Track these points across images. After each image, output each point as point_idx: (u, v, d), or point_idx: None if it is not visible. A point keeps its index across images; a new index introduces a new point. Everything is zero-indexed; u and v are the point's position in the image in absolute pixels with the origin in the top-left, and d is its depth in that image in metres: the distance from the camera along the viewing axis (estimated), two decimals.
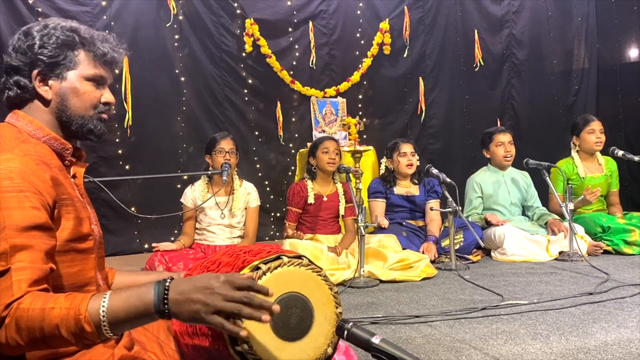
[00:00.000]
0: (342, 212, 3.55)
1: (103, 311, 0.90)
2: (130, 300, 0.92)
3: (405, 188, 3.81)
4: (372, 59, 5.08)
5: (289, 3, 4.83)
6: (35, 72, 1.11)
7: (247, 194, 3.40)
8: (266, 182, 4.74)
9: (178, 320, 1.00)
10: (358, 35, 5.10)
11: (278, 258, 1.02)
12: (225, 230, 3.35)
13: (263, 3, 4.73)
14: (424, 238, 3.63)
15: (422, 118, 5.29)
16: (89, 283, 1.11)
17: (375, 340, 1.05)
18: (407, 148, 3.75)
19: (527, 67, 5.63)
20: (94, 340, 0.93)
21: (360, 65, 5.06)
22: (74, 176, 1.18)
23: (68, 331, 0.90)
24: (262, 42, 4.67)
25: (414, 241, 3.55)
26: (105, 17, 4.16)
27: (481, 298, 2.54)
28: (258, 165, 4.74)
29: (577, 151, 4.03)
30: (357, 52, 5.09)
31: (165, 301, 0.92)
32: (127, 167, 4.25)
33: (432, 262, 3.31)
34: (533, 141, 5.39)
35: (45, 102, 1.13)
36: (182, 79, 4.48)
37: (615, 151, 3.86)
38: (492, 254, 3.63)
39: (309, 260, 1.05)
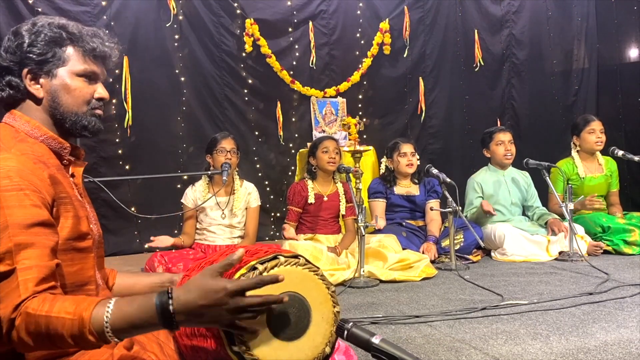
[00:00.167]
0: (342, 212, 3.55)
1: (107, 323, 0.91)
2: (133, 317, 0.92)
3: (405, 188, 3.81)
4: (372, 59, 5.08)
5: (289, 3, 4.83)
6: (25, 70, 1.11)
7: (247, 194, 3.40)
8: (266, 182, 4.74)
9: None
10: (358, 35, 5.10)
11: (275, 258, 1.02)
12: (226, 231, 3.34)
13: (263, 3, 4.73)
14: (424, 238, 3.63)
15: (422, 118, 5.29)
16: (89, 282, 1.11)
17: (375, 340, 1.05)
18: (407, 148, 3.75)
19: (527, 67, 5.63)
20: (98, 344, 0.94)
21: (360, 65, 5.06)
22: (72, 175, 1.18)
23: (72, 338, 0.91)
24: (262, 42, 4.67)
25: (414, 241, 3.55)
26: (105, 17, 4.16)
27: (481, 298, 2.54)
28: (258, 165, 4.74)
29: (577, 151, 4.03)
30: (357, 52, 5.09)
31: (173, 318, 0.92)
32: (127, 167, 4.25)
33: (432, 262, 3.31)
34: (533, 141, 5.39)
35: (37, 101, 1.13)
36: (182, 79, 4.48)
37: (615, 151, 3.86)
38: (492, 254, 3.63)
39: (306, 260, 1.05)
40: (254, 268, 1.00)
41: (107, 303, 0.93)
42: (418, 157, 3.88)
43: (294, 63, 4.86)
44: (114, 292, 1.30)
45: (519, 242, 3.52)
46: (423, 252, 3.39)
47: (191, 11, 4.50)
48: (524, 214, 4.00)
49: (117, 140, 4.22)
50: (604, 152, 4.00)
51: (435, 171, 3.53)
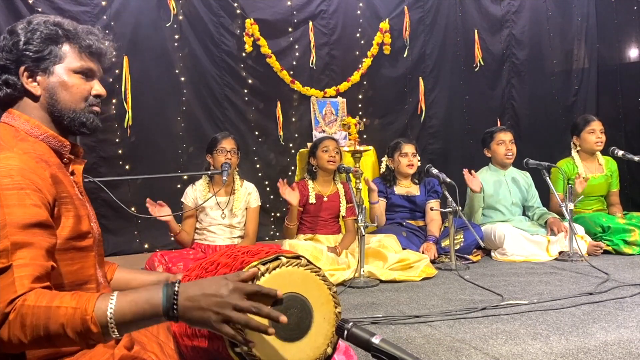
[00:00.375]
0: (343, 212, 3.55)
1: (110, 313, 0.90)
2: (138, 303, 0.92)
3: (405, 188, 3.81)
4: (372, 59, 5.08)
5: (289, 3, 4.83)
6: (22, 68, 1.11)
7: (247, 194, 3.40)
8: (266, 182, 4.74)
9: (185, 324, 1.01)
10: (358, 35, 5.10)
11: (276, 259, 1.02)
12: (226, 230, 3.34)
13: (263, 3, 4.73)
14: (424, 238, 3.64)
15: (422, 118, 5.28)
16: (89, 281, 1.11)
17: (375, 340, 1.05)
18: (408, 149, 3.76)
19: (527, 67, 5.63)
20: (99, 340, 0.92)
21: (360, 65, 5.06)
22: (73, 173, 1.18)
23: (73, 331, 0.89)
24: (262, 42, 4.66)
25: (413, 241, 3.55)
26: (105, 17, 4.15)
27: (481, 298, 2.54)
28: (258, 165, 4.74)
29: (578, 151, 4.03)
30: (357, 52, 5.09)
31: (175, 306, 0.92)
32: (127, 167, 4.25)
33: (432, 262, 3.32)
34: (533, 141, 5.39)
35: (35, 98, 1.13)
36: (182, 79, 4.47)
37: (615, 151, 3.86)
38: (492, 254, 3.63)
39: (308, 261, 1.05)
40: (255, 268, 1.00)
41: (110, 295, 0.93)
42: (419, 157, 3.89)
43: (294, 63, 4.86)
44: (111, 285, 1.30)
45: (519, 242, 3.53)
46: (423, 252, 3.40)
47: (191, 11, 4.50)
48: (524, 214, 4.01)
49: (117, 140, 4.22)
50: (604, 152, 4.00)
51: (435, 171, 3.53)
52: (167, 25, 4.39)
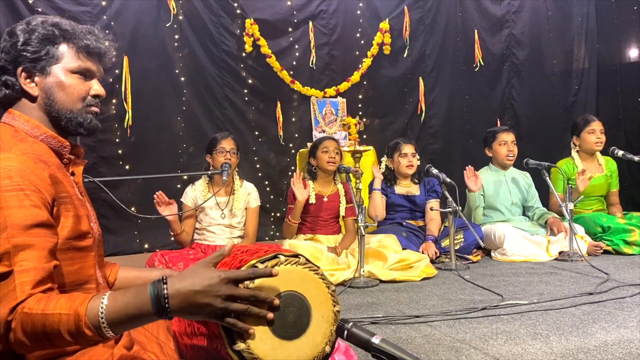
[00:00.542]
0: (342, 212, 3.55)
1: (102, 315, 0.91)
2: (128, 304, 0.92)
3: (405, 188, 3.81)
4: (372, 59, 5.08)
5: (289, 3, 4.83)
6: (19, 69, 1.11)
7: (247, 194, 3.40)
8: (266, 182, 4.74)
9: (185, 322, 1.01)
10: (358, 35, 5.10)
11: (275, 257, 1.02)
12: (226, 231, 3.34)
13: (263, 3, 4.73)
14: (424, 238, 3.63)
15: (422, 118, 5.28)
16: (89, 281, 1.11)
17: (375, 340, 1.05)
18: (408, 149, 3.76)
19: (527, 67, 5.63)
20: (96, 340, 0.93)
21: (360, 65, 5.06)
22: (73, 173, 1.18)
23: (70, 334, 0.91)
24: (262, 42, 4.66)
25: (413, 241, 3.55)
26: (105, 17, 4.16)
27: (481, 298, 2.54)
28: (258, 165, 4.74)
29: (577, 151, 4.03)
30: (357, 52, 5.09)
31: (166, 305, 0.92)
32: (127, 167, 4.25)
33: (432, 261, 3.31)
34: (533, 141, 5.39)
35: (32, 99, 1.13)
36: (182, 79, 4.47)
37: (615, 151, 3.86)
38: (492, 254, 3.63)
39: (306, 259, 1.05)
40: (254, 267, 1.00)
41: (102, 296, 0.93)
42: (418, 157, 3.89)
43: (294, 63, 4.86)
44: (115, 286, 1.30)
45: (519, 242, 3.53)
46: (423, 252, 3.40)
47: (191, 11, 4.50)
48: (524, 214, 4.00)
49: (117, 140, 4.22)
50: (604, 152, 4.00)
51: (435, 171, 3.53)
52: (167, 25, 4.39)
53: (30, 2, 3.92)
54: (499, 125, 5.19)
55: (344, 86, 4.99)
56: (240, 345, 0.95)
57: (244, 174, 3.64)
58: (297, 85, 4.82)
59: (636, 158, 3.70)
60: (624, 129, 5.32)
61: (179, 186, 4.21)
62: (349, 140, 4.44)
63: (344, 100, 5.00)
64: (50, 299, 0.92)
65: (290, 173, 4.82)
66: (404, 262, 3.08)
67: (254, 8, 4.68)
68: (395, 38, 5.16)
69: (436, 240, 3.58)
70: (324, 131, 4.82)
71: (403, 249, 3.28)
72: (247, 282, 0.95)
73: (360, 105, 5.10)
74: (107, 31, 1.24)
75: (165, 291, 0.92)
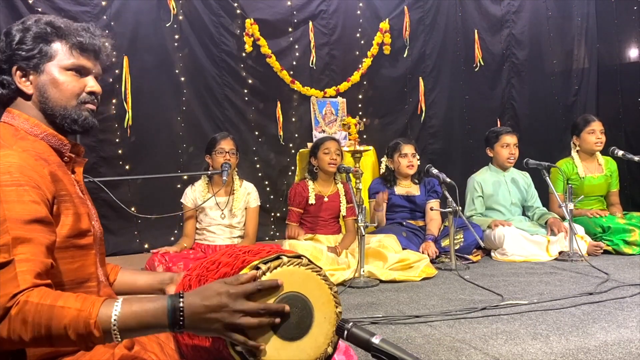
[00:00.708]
0: (343, 212, 3.55)
1: (115, 320, 0.90)
2: (143, 316, 0.92)
3: (405, 188, 3.81)
4: (372, 59, 5.08)
5: (289, 3, 4.83)
6: (14, 68, 1.11)
7: (247, 194, 3.40)
8: (266, 182, 4.74)
9: None
10: (358, 35, 5.10)
11: (277, 258, 1.02)
12: (226, 231, 3.35)
13: (263, 3, 4.73)
14: (424, 238, 3.63)
15: (422, 118, 5.28)
16: (89, 279, 1.11)
17: (375, 340, 1.05)
18: (408, 149, 3.76)
19: (527, 67, 5.63)
20: (100, 343, 0.92)
21: (360, 65, 5.06)
22: (73, 172, 1.18)
23: (76, 333, 0.89)
24: (262, 42, 4.66)
25: (413, 241, 3.55)
26: (105, 17, 4.15)
27: (481, 298, 2.54)
28: (258, 165, 4.74)
29: (577, 151, 4.03)
30: (357, 52, 5.09)
31: (181, 322, 0.92)
32: (127, 167, 4.25)
33: (432, 261, 3.32)
34: (533, 141, 5.38)
35: (27, 97, 1.13)
36: (182, 79, 4.47)
37: (615, 151, 3.86)
38: (492, 254, 3.63)
39: (309, 260, 1.05)
40: (256, 268, 1.00)
41: (115, 301, 0.92)
42: (418, 157, 3.89)
43: (294, 63, 4.86)
44: (114, 288, 1.30)
45: (519, 242, 3.53)
46: (422, 252, 3.40)
47: (191, 11, 4.50)
48: (524, 214, 4.01)
49: (117, 140, 4.22)
50: (604, 152, 4.00)
51: (435, 171, 3.53)
52: (167, 25, 4.39)
53: (30, 2, 3.92)
54: (499, 125, 5.19)
55: (344, 86, 4.99)
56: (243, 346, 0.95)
57: (244, 174, 3.64)
58: (297, 85, 4.82)
59: (636, 158, 3.70)
60: (624, 129, 5.33)
61: (178, 186, 4.21)
62: (349, 140, 4.44)
63: (344, 100, 5.00)
64: (58, 293, 0.91)
65: (290, 173, 4.82)
66: (404, 262, 3.08)
67: (254, 8, 4.68)
68: (395, 38, 5.16)
69: (436, 240, 3.58)
70: (324, 131, 4.82)
71: (403, 249, 3.28)
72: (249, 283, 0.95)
73: (360, 105, 5.10)
74: (106, 31, 1.24)
75: (181, 304, 0.92)
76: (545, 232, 3.67)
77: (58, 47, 1.14)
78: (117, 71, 4.18)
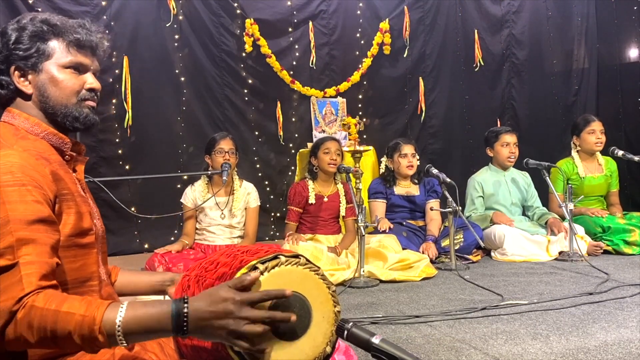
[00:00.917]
0: (342, 212, 3.55)
1: (119, 325, 0.90)
2: (147, 320, 0.91)
3: (405, 188, 3.81)
4: (372, 59, 5.08)
5: (289, 3, 4.83)
6: (12, 68, 1.11)
7: (247, 194, 3.40)
8: (266, 182, 4.74)
9: None
10: (358, 35, 5.10)
11: (275, 257, 1.02)
12: (225, 231, 3.34)
13: (263, 3, 4.73)
14: (424, 238, 3.63)
15: (422, 118, 5.28)
16: (91, 278, 1.11)
17: (375, 340, 1.05)
18: (408, 149, 3.75)
19: (527, 67, 5.63)
20: (105, 347, 0.92)
21: (360, 65, 5.06)
22: (74, 170, 1.18)
23: (80, 338, 0.89)
24: (262, 42, 4.66)
25: (414, 241, 3.55)
26: (105, 17, 4.16)
27: (481, 298, 2.54)
28: (258, 165, 4.74)
29: (577, 151, 4.03)
30: (357, 52, 5.09)
31: (185, 327, 0.91)
32: (127, 167, 4.25)
33: (432, 261, 3.31)
34: (533, 141, 5.39)
35: (27, 97, 1.12)
36: (182, 79, 4.47)
37: (615, 151, 3.86)
38: (492, 254, 3.63)
39: (307, 260, 1.05)
40: (254, 268, 1.00)
41: (120, 305, 0.92)
42: (418, 157, 3.88)
43: (294, 63, 4.86)
44: (116, 288, 1.30)
45: (519, 242, 3.52)
46: (423, 252, 3.40)
47: (191, 11, 4.50)
48: (524, 214, 4.00)
49: (117, 140, 4.22)
50: (604, 152, 4.00)
51: (435, 171, 3.53)
52: (167, 25, 4.39)
53: (30, 2, 3.92)
54: (499, 125, 5.19)
55: (344, 86, 5.00)
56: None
57: (244, 174, 3.64)
58: (297, 85, 4.82)
59: (636, 158, 3.70)
60: (624, 129, 5.33)
61: (178, 186, 4.21)
62: (349, 140, 4.44)
63: (344, 100, 5.00)
64: (65, 298, 0.91)
65: (290, 173, 4.82)
66: (404, 262, 3.08)
67: (254, 8, 4.69)
68: (395, 38, 5.17)
69: (436, 241, 3.58)
70: (324, 131, 4.82)
71: (403, 249, 3.28)
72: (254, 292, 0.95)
73: (360, 105, 5.10)
74: (106, 31, 1.23)
75: (185, 310, 0.91)
76: (545, 232, 3.67)
77: (55, 45, 1.13)
78: (117, 71, 4.18)
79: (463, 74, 5.45)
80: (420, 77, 5.27)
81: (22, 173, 0.98)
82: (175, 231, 4.25)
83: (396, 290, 2.79)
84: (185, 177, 4.19)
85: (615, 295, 2.47)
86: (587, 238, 3.60)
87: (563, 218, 3.63)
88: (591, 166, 4.01)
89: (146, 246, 4.23)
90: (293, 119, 4.89)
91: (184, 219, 3.40)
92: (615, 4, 5.50)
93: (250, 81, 4.71)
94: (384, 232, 3.50)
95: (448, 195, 3.36)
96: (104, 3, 4.16)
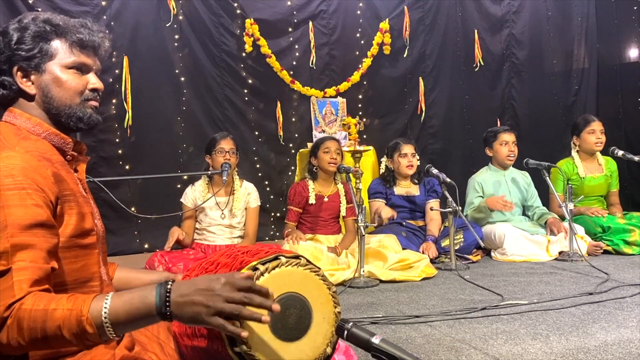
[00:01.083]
0: (343, 212, 3.55)
1: (105, 312, 0.90)
2: (132, 302, 0.92)
3: (405, 188, 3.81)
4: (372, 59, 5.08)
5: (289, 3, 4.83)
6: (15, 68, 1.11)
7: (247, 194, 3.40)
8: (266, 182, 4.74)
9: (179, 322, 1.00)
10: (358, 35, 5.10)
11: (276, 258, 1.02)
12: (226, 231, 3.34)
13: (263, 3, 4.73)
14: (424, 238, 3.63)
15: (422, 118, 5.28)
16: (92, 278, 1.11)
17: (375, 340, 1.05)
18: (408, 149, 3.75)
19: (527, 67, 5.63)
20: (96, 341, 0.92)
21: (360, 65, 5.06)
22: (76, 170, 1.17)
23: (70, 332, 0.90)
24: (262, 42, 4.66)
25: (413, 241, 3.55)
26: (105, 17, 4.15)
27: (481, 298, 2.54)
28: (258, 165, 4.74)
29: (577, 151, 4.03)
30: (357, 52, 5.09)
31: (167, 303, 0.92)
32: (127, 167, 4.25)
33: (432, 261, 3.31)
34: (533, 141, 5.39)
35: (30, 98, 1.12)
36: (182, 79, 4.47)
37: (615, 151, 3.86)
38: (492, 254, 3.63)
39: (307, 260, 1.05)
40: (255, 268, 1.00)
41: (106, 296, 0.93)
42: (418, 157, 3.88)
43: (294, 63, 4.86)
44: (113, 285, 1.30)
45: (519, 242, 3.53)
46: (423, 252, 3.40)
47: (191, 11, 4.50)
48: (524, 214, 4.00)
49: (117, 140, 4.22)
50: (604, 152, 4.00)
51: (435, 171, 3.53)
52: (167, 25, 4.39)
53: (30, 2, 3.92)
54: (499, 125, 5.19)
55: (344, 86, 4.99)
56: (242, 347, 0.95)
57: (244, 174, 3.64)
58: (297, 85, 4.82)
59: (636, 158, 3.70)
60: (624, 129, 5.32)
61: (179, 186, 4.21)
62: (349, 140, 4.44)
63: (344, 100, 5.00)
64: (51, 297, 0.92)
65: (290, 173, 4.82)
66: (404, 262, 3.08)
67: (254, 8, 4.68)
68: (395, 38, 5.16)
69: (436, 241, 3.58)
70: (324, 131, 4.82)
71: (403, 249, 3.28)
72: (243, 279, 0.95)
73: (360, 105, 5.10)
74: (107, 31, 1.23)
75: (169, 286, 0.93)
76: (545, 232, 3.67)
77: (58, 46, 1.13)
78: (117, 71, 4.18)
79: (463, 74, 5.45)
80: (420, 77, 5.27)
81: (24, 176, 0.98)
82: None
83: (396, 290, 2.79)
84: (185, 177, 4.19)
85: (615, 295, 2.47)
86: (587, 238, 3.60)
87: (563, 218, 3.63)
88: (591, 166, 4.01)
89: (146, 246, 4.23)
90: (293, 119, 4.89)
91: (183, 218, 3.40)
92: (615, 4, 5.49)
93: (250, 81, 4.71)
94: (389, 220, 3.49)
95: (448, 195, 3.36)
96: (104, 3, 4.16)
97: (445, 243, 3.48)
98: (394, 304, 2.50)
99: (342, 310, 1.08)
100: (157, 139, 4.37)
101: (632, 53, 5.40)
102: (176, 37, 4.44)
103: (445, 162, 5.10)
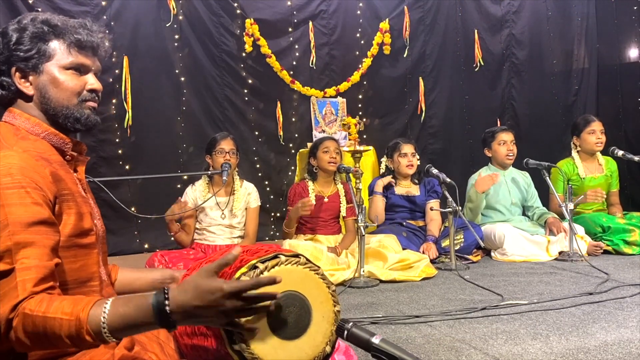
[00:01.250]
0: (343, 212, 3.55)
1: (104, 321, 0.90)
2: (129, 316, 0.91)
3: (405, 188, 3.81)
4: (372, 59, 5.08)
5: (289, 3, 4.83)
6: (13, 69, 1.11)
7: (247, 194, 3.40)
8: (266, 182, 4.74)
9: None
10: (358, 35, 5.10)
11: (275, 257, 1.02)
12: (226, 231, 3.34)
13: (263, 3, 4.73)
14: (424, 238, 3.63)
15: (422, 118, 5.28)
16: (92, 278, 1.11)
17: (375, 340, 1.05)
18: (408, 149, 3.75)
19: (527, 67, 5.63)
20: (97, 345, 0.93)
21: (360, 65, 5.06)
22: (75, 170, 1.17)
23: (70, 339, 0.90)
24: (262, 42, 4.66)
25: (414, 241, 3.55)
26: (105, 17, 4.16)
27: (481, 298, 2.54)
28: (258, 165, 4.74)
29: (578, 151, 4.03)
30: (357, 52, 5.09)
31: (169, 319, 0.91)
32: (127, 167, 4.25)
33: (432, 261, 3.31)
34: (533, 141, 5.39)
35: (28, 98, 1.12)
36: (182, 79, 4.47)
37: (615, 151, 3.86)
38: (492, 254, 3.63)
39: (307, 259, 1.05)
40: (254, 267, 1.00)
41: (104, 303, 0.92)
42: (418, 157, 3.88)
43: (294, 63, 4.86)
44: (115, 288, 1.30)
45: (519, 242, 3.52)
46: (423, 252, 3.40)
47: (191, 11, 4.50)
48: (524, 214, 4.00)
49: (117, 140, 4.22)
50: (604, 152, 4.00)
51: (435, 171, 3.53)
52: (167, 25, 4.39)
53: (30, 2, 3.92)
54: (499, 125, 5.19)
55: (344, 86, 5.00)
56: (241, 345, 0.95)
57: (244, 174, 3.64)
58: (297, 85, 4.82)
59: (636, 158, 3.70)
60: (624, 129, 5.32)
61: (179, 186, 4.21)
62: (349, 140, 4.44)
63: (344, 100, 5.00)
64: (52, 300, 0.92)
65: (290, 173, 4.82)
66: (404, 262, 3.08)
67: (254, 8, 4.68)
68: (395, 38, 5.17)
69: (436, 241, 3.58)
70: (324, 131, 4.82)
71: (403, 249, 3.28)
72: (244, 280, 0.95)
73: (360, 105, 5.10)
74: (107, 31, 1.23)
75: (167, 307, 0.90)
76: (545, 232, 3.67)
77: (56, 46, 1.13)
78: (117, 71, 4.19)
79: (463, 74, 5.45)
80: (420, 77, 5.27)
81: (22, 175, 0.98)
82: None
83: (396, 290, 2.78)
84: (185, 177, 4.19)
85: (615, 295, 2.47)
86: (587, 238, 3.60)
87: (563, 218, 3.63)
88: (591, 166, 4.01)
89: (146, 246, 4.23)
90: (293, 119, 4.89)
91: (183, 218, 3.40)
92: (615, 4, 5.50)
93: (250, 81, 4.71)
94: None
95: (448, 195, 3.36)
96: (104, 3, 4.16)
97: (445, 243, 3.48)
98: (394, 304, 2.50)
99: (342, 310, 1.08)
100: (157, 139, 4.37)
101: (632, 53, 5.40)
102: (176, 37, 4.44)
103: (445, 162, 5.10)
